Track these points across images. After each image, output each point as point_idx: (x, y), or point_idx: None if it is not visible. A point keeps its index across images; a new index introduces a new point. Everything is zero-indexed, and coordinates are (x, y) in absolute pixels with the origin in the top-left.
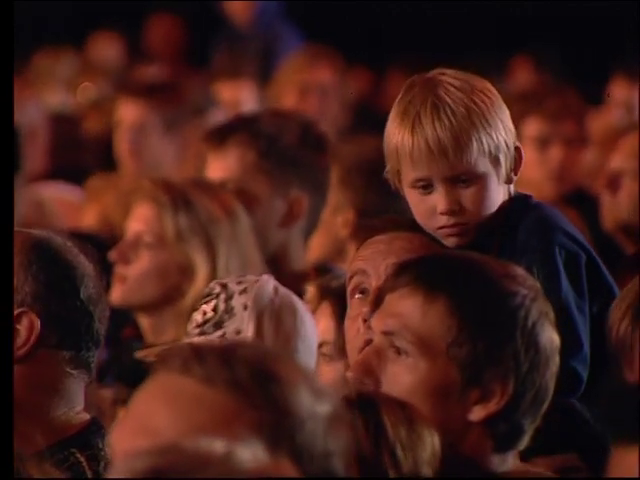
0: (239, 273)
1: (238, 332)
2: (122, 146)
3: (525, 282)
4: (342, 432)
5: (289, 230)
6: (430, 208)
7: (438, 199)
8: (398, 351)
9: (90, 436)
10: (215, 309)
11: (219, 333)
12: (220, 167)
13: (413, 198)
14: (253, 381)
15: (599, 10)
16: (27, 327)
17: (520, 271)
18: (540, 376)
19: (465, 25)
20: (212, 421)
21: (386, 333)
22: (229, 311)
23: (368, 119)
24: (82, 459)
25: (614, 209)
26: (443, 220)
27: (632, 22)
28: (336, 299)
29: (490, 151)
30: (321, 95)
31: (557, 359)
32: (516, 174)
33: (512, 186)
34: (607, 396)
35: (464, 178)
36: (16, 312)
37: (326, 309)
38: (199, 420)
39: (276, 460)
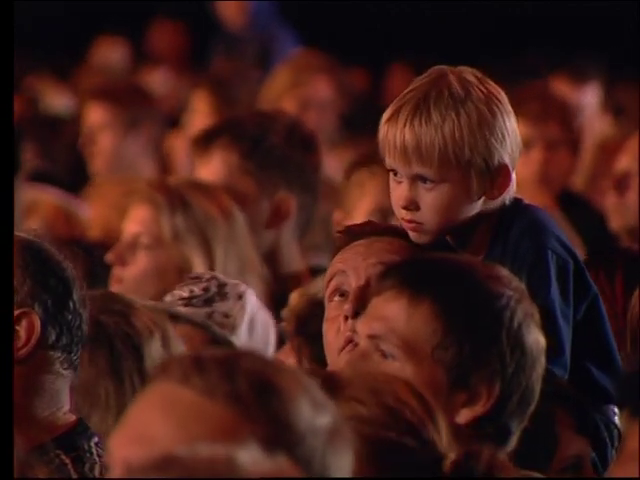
0: (238, 273)
1: (226, 316)
2: (88, 149)
3: (510, 283)
4: (341, 445)
5: (278, 231)
6: (397, 197)
7: (401, 192)
8: (384, 355)
9: (76, 437)
10: (206, 289)
11: (207, 310)
12: (206, 171)
13: (390, 181)
14: (253, 394)
15: (599, 10)
16: (27, 328)
17: (505, 272)
18: (526, 377)
19: (466, 26)
20: (209, 433)
21: (372, 337)
22: (222, 294)
23: (367, 119)
24: (67, 461)
25: (622, 210)
26: (402, 213)
27: (632, 22)
28: None
29: (459, 164)
30: (320, 110)
31: (543, 360)
32: (501, 192)
33: (507, 195)
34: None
35: (427, 180)
36: (17, 312)
37: None
38: (196, 431)
39: (275, 461)
